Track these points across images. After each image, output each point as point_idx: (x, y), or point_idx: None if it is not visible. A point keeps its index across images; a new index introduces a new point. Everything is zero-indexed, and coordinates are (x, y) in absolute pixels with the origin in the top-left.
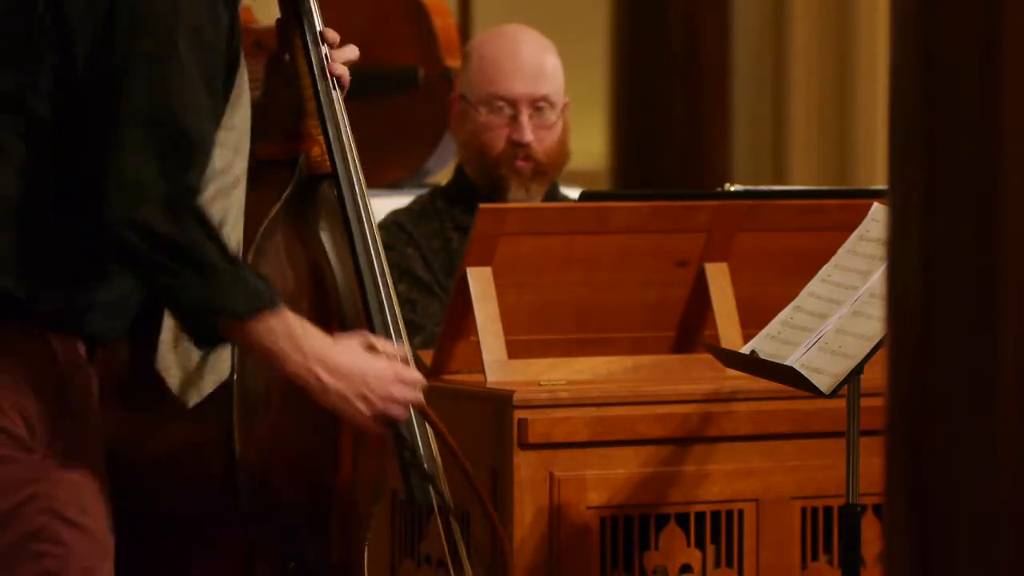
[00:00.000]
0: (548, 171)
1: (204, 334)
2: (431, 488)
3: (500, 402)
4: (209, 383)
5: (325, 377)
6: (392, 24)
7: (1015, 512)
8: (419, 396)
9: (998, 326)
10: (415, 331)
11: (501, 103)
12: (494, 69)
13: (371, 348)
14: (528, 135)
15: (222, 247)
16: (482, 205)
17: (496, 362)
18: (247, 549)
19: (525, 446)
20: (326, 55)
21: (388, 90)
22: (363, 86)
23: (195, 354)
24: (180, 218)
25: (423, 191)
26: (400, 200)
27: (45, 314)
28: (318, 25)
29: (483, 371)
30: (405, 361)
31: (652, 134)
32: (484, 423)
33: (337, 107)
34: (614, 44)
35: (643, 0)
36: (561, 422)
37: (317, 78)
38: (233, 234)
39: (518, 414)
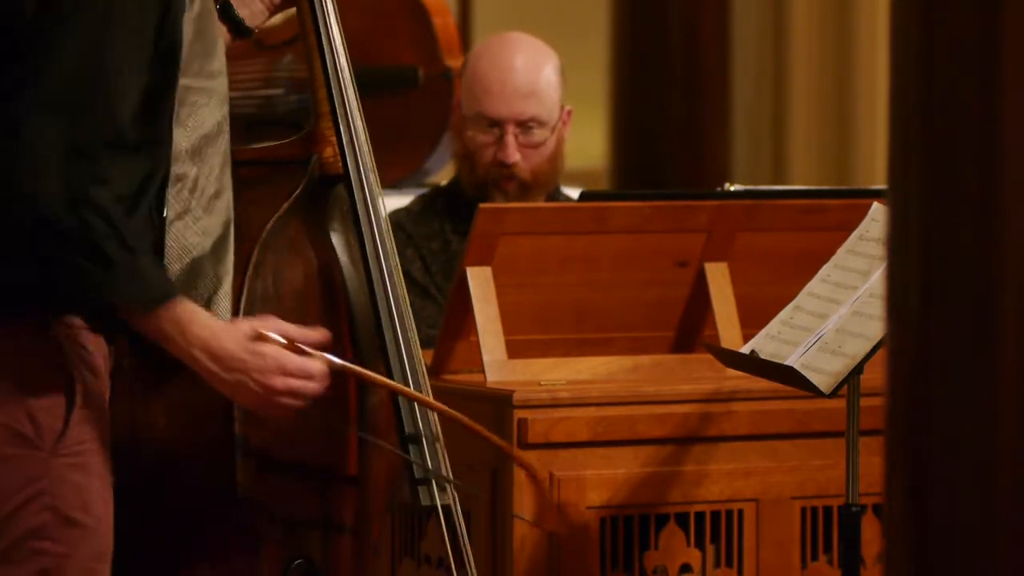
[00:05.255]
0: (535, 188)
1: (96, 314)
2: (433, 489)
3: (500, 402)
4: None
5: (208, 364)
6: (392, 24)
7: (1015, 512)
8: (308, 385)
9: (998, 326)
10: None
11: (488, 122)
12: (482, 87)
13: (258, 336)
14: (512, 156)
15: (121, 238)
16: (482, 205)
17: (496, 362)
18: (249, 545)
19: (525, 446)
20: (345, 56)
21: (388, 90)
22: (363, 86)
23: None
24: (81, 213)
25: (423, 191)
26: (400, 200)
27: (41, 302)
28: (335, 27)
29: (483, 371)
30: (309, 348)
31: (652, 134)
32: (484, 423)
33: (351, 109)
34: (614, 44)
35: (643, 0)
36: (561, 422)
37: (331, 79)
38: (224, 181)
39: (518, 414)
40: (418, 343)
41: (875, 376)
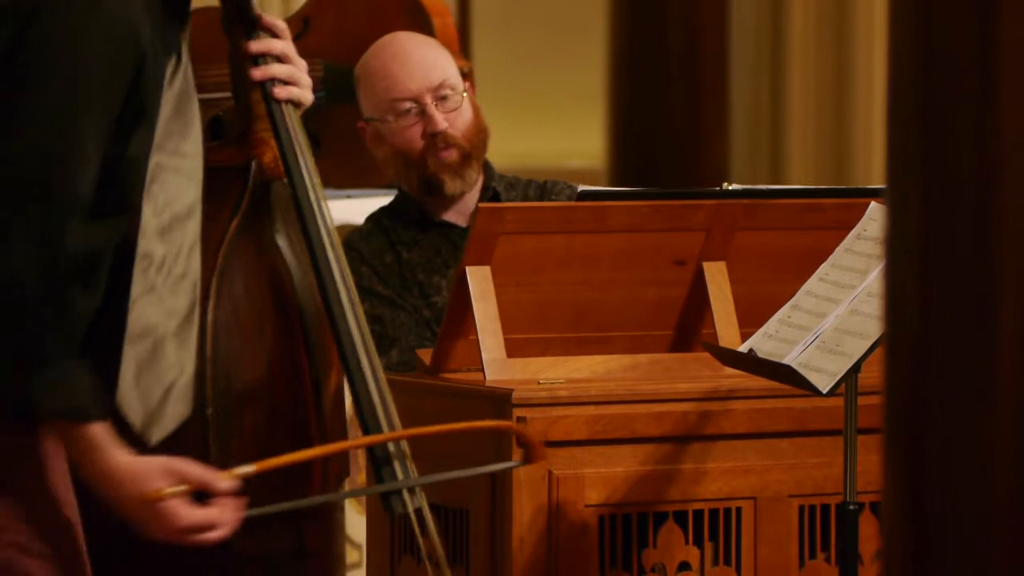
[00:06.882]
0: (473, 153)
1: (7, 403)
2: (404, 497)
3: (499, 401)
4: (171, 419)
5: (106, 495)
6: (391, 24)
7: (1012, 511)
8: (209, 536)
9: (995, 325)
10: (390, 345)
11: (405, 104)
12: (384, 76)
13: (152, 497)
14: (441, 123)
15: (66, 339)
16: (481, 204)
17: (495, 361)
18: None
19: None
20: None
21: None
22: None
23: (157, 390)
24: (26, 309)
25: None
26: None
27: None
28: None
29: (482, 370)
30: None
31: (650, 133)
32: (483, 421)
33: (287, 109)
34: (613, 43)
35: (642, 0)
36: (560, 421)
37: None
38: (191, 264)
39: (517, 412)
40: (372, 342)
41: (873, 374)
